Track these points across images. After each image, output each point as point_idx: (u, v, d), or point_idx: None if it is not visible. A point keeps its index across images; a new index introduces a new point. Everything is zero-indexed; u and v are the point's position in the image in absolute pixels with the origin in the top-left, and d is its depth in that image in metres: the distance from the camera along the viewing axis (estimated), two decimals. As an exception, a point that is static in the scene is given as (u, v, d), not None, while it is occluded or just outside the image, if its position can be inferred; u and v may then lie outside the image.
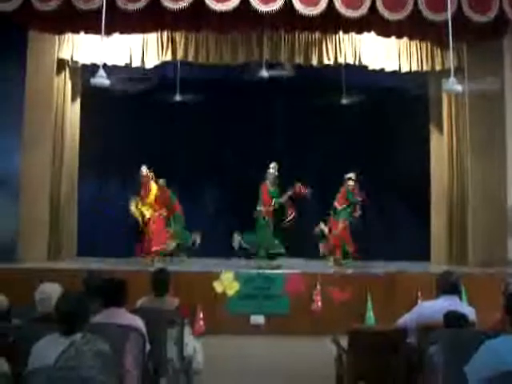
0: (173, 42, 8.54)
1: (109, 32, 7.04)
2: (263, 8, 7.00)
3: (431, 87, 9.46)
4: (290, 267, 8.07)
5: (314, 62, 8.56)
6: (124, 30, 7.87)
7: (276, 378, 5.65)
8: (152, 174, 8.68)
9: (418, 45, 8.67)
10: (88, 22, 7.17)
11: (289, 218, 8.52)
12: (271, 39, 8.50)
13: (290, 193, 8.53)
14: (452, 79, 6.48)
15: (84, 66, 8.86)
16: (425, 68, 8.77)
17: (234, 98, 9.70)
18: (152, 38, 8.51)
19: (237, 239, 8.54)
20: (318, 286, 7.48)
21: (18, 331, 3.44)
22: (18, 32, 8.06)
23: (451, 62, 6.82)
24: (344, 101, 9.72)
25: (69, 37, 8.59)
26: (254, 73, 8.71)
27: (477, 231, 8.46)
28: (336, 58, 8.55)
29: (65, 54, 8.72)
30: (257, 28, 7.96)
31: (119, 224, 9.38)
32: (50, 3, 6.99)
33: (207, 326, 7.09)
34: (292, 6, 7.02)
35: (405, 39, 8.32)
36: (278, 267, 8.11)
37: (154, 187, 8.64)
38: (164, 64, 8.92)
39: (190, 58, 8.60)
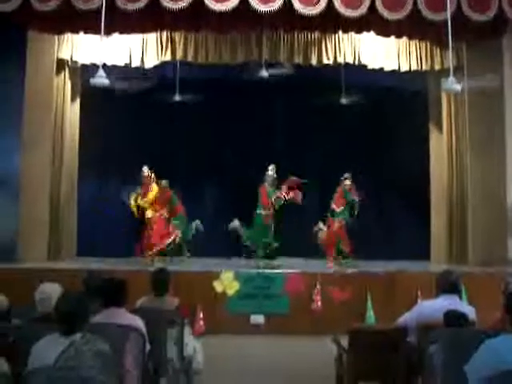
0: (172, 41, 8.55)
1: (108, 32, 7.03)
2: (262, 8, 7.00)
3: (430, 86, 9.47)
4: (290, 267, 8.06)
5: (314, 61, 8.56)
6: (123, 30, 7.86)
7: (276, 377, 5.65)
8: (153, 174, 8.66)
9: (418, 44, 8.67)
10: (87, 22, 7.16)
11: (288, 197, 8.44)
12: (270, 39, 8.50)
13: (285, 187, 8.47)
14: (451, 78, 6.48)
15: (83, 66, 8.87)
16: (424, 67, 8.78)
17: (234, 97, 9.71)
18: (151, 38, 8.51)
19: (236, 224, 8.50)
20: (318, 286, 7.48)
21: (17, 331, 3.44)
22: (17, 32, 8.05)
23: (450, 62, 6.82)
24: (343, 100, 9.72)
25: (68, 37, 8.59)
26: (254, 72, 8.72)
27: (477, 230, 8.46)
28: (335, 58, 8.55)
29: (64, 54, 8.72)
30: (256, 28, 7.95)
31: (119, 224, 9.40)
32: (50, 3, 6.99)
33: (207, 326, 7.09)
34: (291, 5, 7.02)
35: (404, 39, 8.32)
36: (278, 267, 8.11)
37: (154, 188, 8.62)
38: (163, 64, 8.92)
39: (190, 58, 8.60)
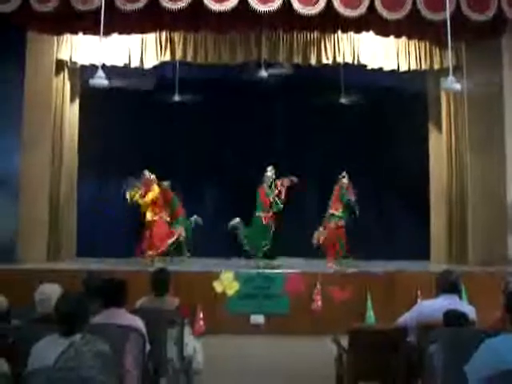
0: (171, 42, 8.54)
1: (107, 32, 7.01)
2: (261, 8, 6.99)
3: (430, 86, 9.47)
4: (290, 267, 8.06)
5: (313, 61, 8.56)
6: (123, 31, 7.86)
7: (276, 377, 5.65)
8: (153, 176, 8.61)
9: (417, 44, 8.67)
10: (86, 23, 7.15)
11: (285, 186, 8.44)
12: (270, 39, 8.50)
13: (278, 183, 8.48)
14: (451, 78, 6.48)
15: (83, 66, 8.87)
16: (423, 67, 8.79)
17: (233, 97, 9.70)
18: (151, 38, 8.51)
19: (236, 220, 8.49)
20: (318, 286, 7.48)
21: (17, 332, 3.43)
22: (16, 33, 8.06)
23: (450, 61, 6.81)
24: (343, 100, 9.71)
25: (67, 38, 8.59)
26: (253, 73, 8.71)
27: (476, 229, 8.47)
28: (334, 58, 8.55)
29: (63, 55, 8.73)
30: (255, 28, 7.94)
31: (119, 224, 9.40)
32: (49, 4, 6.98)
33: (207, 326, 7.09)
34: (290, 5, 7.01)
35: (403, 38, 8.31)
36: (278, 267, 8.11)
37: (155, 189, 8.54)
38: (163, 64, 8.92)
39: (189, 58, 8.59)
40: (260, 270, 7.86)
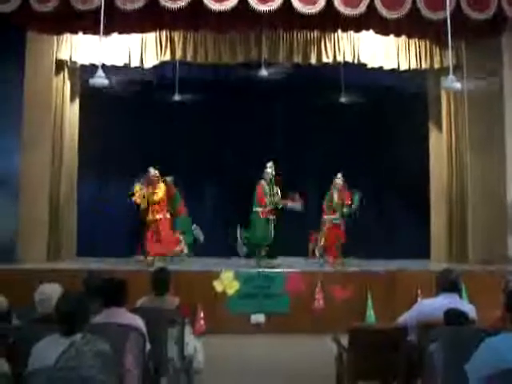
0: (171, 41, 8.54)
1: (107, 32, 7.03)
2: (261, 7, 7.00)
3: (430, 85, 9.47)
4: (290, 266, 8.06)
5: (313, 60, 8.57)
6: (122, 30, 7.86)
7: (276, 377, 5.64)
8: (158, 173, 8.56)
9: (417, 43, 8.67)
10: (86, 23, 7.16)
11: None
12: (270, 38, 8.50)
13: (287, 201, 8.50)
14: (451, 77, 6.48)
15: (83, 66, 8.87)
16: (423, 66, 8.78)
17: (233, 97, 9.71)
18: (151, 37, 8.51)
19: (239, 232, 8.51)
20: (319, 285, 7.48)
21: (18, 332, 3.43)
22: (16, 33, 8.06)
23: (450, 60, 6.82)
24: (343, 99, 9.71)
25: (67, 37, 8.59)
26: (253, 72, 8.70)
27: (476, 228, 8.47)
28: (335, 57, 8.55)
29: (63, 55, 8.72)
30: (255, 27, 7.95)
31: (119, 224, 9.40)
32: (48, 4, 6.99)
33: (208, 326, 7.09)
34: (290, 4, 7.02)
35: (403, 37, 8.32)
36: (278, 266, 8.11)
37: (162, 186, 8.50)
38: (163, 64, 8.92)
39: (189, 58, 8.59)
40: (260, 270, 7.86)
